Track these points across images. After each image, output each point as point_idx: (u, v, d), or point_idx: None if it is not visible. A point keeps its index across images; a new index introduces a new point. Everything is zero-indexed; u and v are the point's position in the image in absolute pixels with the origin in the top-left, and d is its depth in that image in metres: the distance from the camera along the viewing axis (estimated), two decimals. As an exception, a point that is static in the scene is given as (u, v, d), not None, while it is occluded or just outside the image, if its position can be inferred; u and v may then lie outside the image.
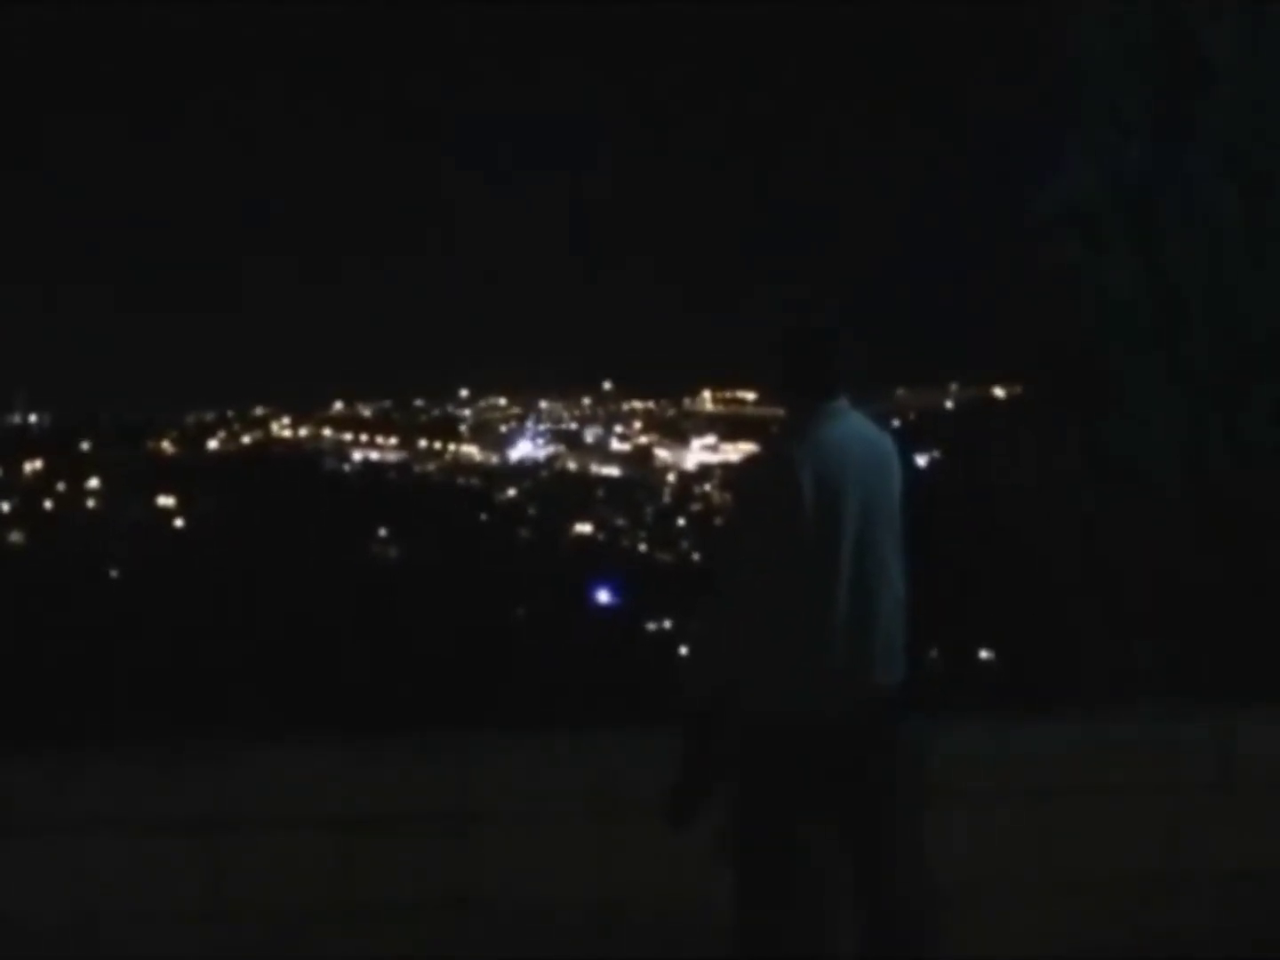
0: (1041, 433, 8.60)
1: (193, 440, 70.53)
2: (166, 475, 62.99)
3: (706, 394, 75.73)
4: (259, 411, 74.43)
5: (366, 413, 76.46)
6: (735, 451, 61.31)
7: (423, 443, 74.16)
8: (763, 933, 4.29)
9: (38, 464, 64.24)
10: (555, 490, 68.08)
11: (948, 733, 5.22)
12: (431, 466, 72.67)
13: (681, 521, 63.16)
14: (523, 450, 74.57)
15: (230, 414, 73.88)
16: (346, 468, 71.78)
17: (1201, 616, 7.66)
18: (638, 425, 76.33)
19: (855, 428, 4.35)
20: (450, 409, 76.84)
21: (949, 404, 52.53)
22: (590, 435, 75.96)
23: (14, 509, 60.46)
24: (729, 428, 69.58)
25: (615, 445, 75.08)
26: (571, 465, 73.39)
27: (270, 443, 72.95)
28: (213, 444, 71.24)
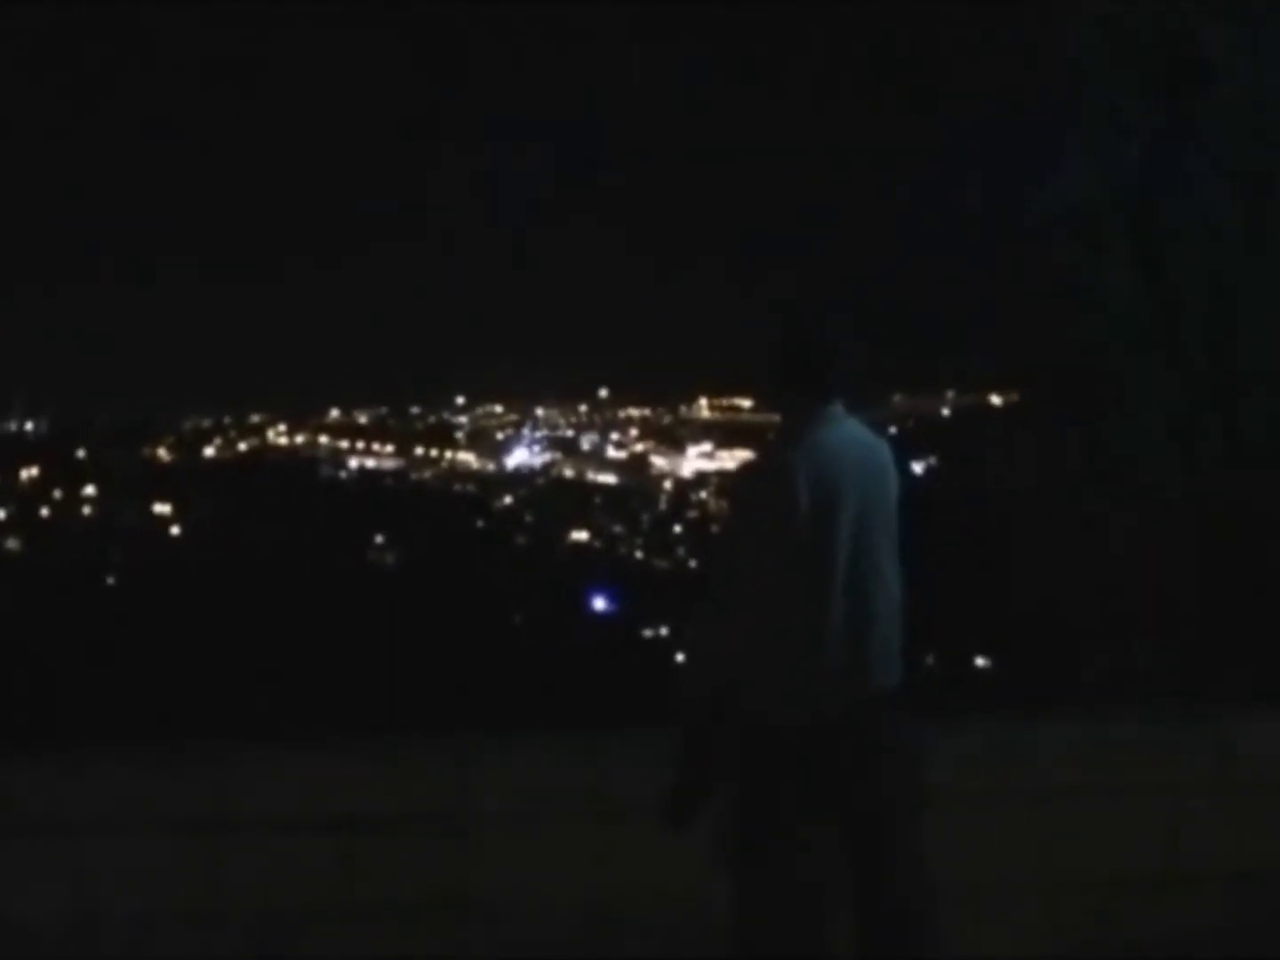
0: (1040, 434, 8.61)
1: (189, 446, 70.51)
2: (163, 481, 62.96)
3: (703, 401, 75.73)
4: (255, 418, 74.43)
5: (363, 419, 76.48)
6: (731, 458, 61.32)
7: (419, 450, 74.16)
8: (762, 934, 4.29)
9: (34, 471, 64.18)
10: (552, 497, 68.05)
11: (947, 734, 5.23)
12: (428, 473, 72.66)
13: (678, 528, 63.12)
14: (519, 457, 74.58)
15: (227, 420, 73.88)
16: (343, 475, 71.76)
17: (1200, 617, 7.67)
18: (634, 432, 76.33)
19: (851, 433, 4.35)
20: (446, 416, 76.86)
21: (946, 411, 52.56)
22: (587, 442, 75.99)
23: (11, 516, 60.40)
24: (725, 435, 69.55)
25: (611, 452, 75.08)
26: (568, 472, 73.38)
27: (267, 449, 72.94)
28: (209, 450, 71.24)
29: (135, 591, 45.84)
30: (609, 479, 72.78)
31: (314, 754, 5.35)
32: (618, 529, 64.64)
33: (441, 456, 73.94)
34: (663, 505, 68.27)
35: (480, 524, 63.53)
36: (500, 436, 75.80)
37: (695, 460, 72.32)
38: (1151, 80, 8.01)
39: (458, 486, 70.55)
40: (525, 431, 76.23)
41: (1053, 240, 8.18)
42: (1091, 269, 8.05)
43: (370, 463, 73.41)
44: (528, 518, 65.74)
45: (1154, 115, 8.04)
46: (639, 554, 61.08)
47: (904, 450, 4.54)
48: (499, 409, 76.97)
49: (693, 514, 64.20)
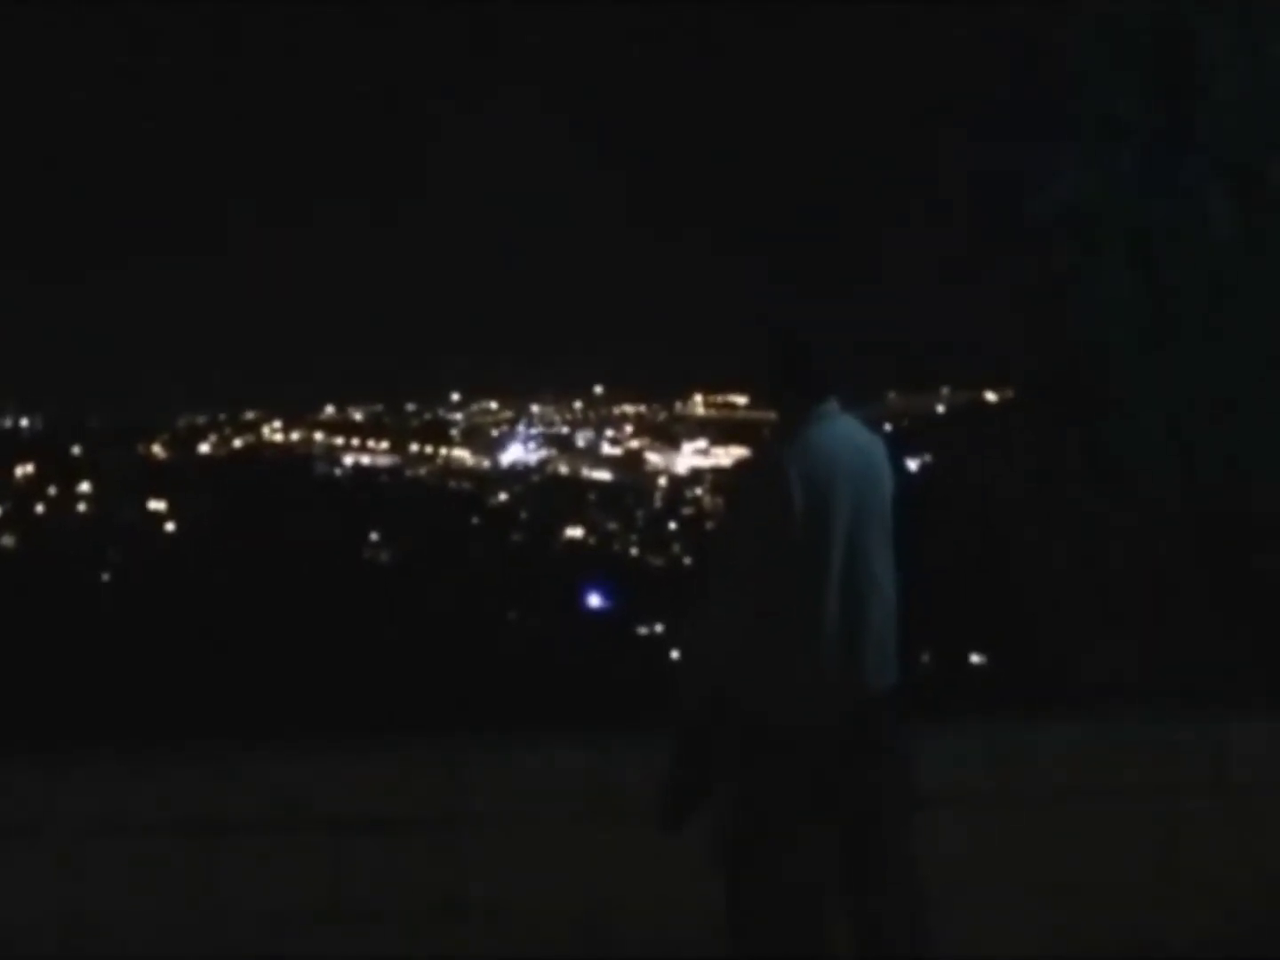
0: (1037, 435, 8.61)
1: (184, 444, 70.44)
2: (158, 478, 62.90)
3: (698, 398, 75.65)
4: (250, 415, 74.38)
5: (358, 416, 76.40)
6: (726, 455, 61.31)
7: (414, 446, 74.10)
8: (761, 934, 4.29)
9: (29, 468, 64.12)
10: (547, 494, 68.01)
11: (946, 735, 5.24)
12: (423, 470, 72.62)
13: (673, 525, 63.10)
14: (514, 454, 74.51)
15: (222, 417, 73.82)
16: (338, 472, 71.69)
17: (1196, 619, 7.67)
18: (629, 429, 76.26)
19: (846, 431, 4.35)
20: (442, 413, 76.78)
21: (940, 408, 52.51)
22: (582, 439, 75.92)
23: (6, 513, 60.33)
24: (720, 432, 69.48)
25: (607, 449, 75.02)
26: (563, 469, 73.35)
27: (262, 446, 72.87)
28: (204, 447, 71.17)
29: (131, 588, 45.82)
30: (604, 476, 72.72)
31: (309, 756, 5.35)
32: (613, 526, 64.60)
33: (436, 453, 73.88)
34: (658, 502, 68.23)
35: (475, 521, 63.50)
36: (495, 433, 75.73)
37: (690, 457, 72.25)
38: (1150, 81, 8.01)
39: (453, 483, 70.50)
40: (520, 428, 76.16)
41: (1051, 241, 8.18)
42: (1090, 269, 8.05)
43: (365, 459, 73.34)
44: (523, 514, 65.71)
45: (1152, 116, 8.04)
46: (634, 551, 61.06)
47: (899, 447, 4.54)
48: (494, 406, 76.90)
49: (688, 511, 64.18)
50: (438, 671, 30.13)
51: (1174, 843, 5.36)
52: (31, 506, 61.41)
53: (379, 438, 74.37)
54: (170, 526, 59.95)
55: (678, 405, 76.64)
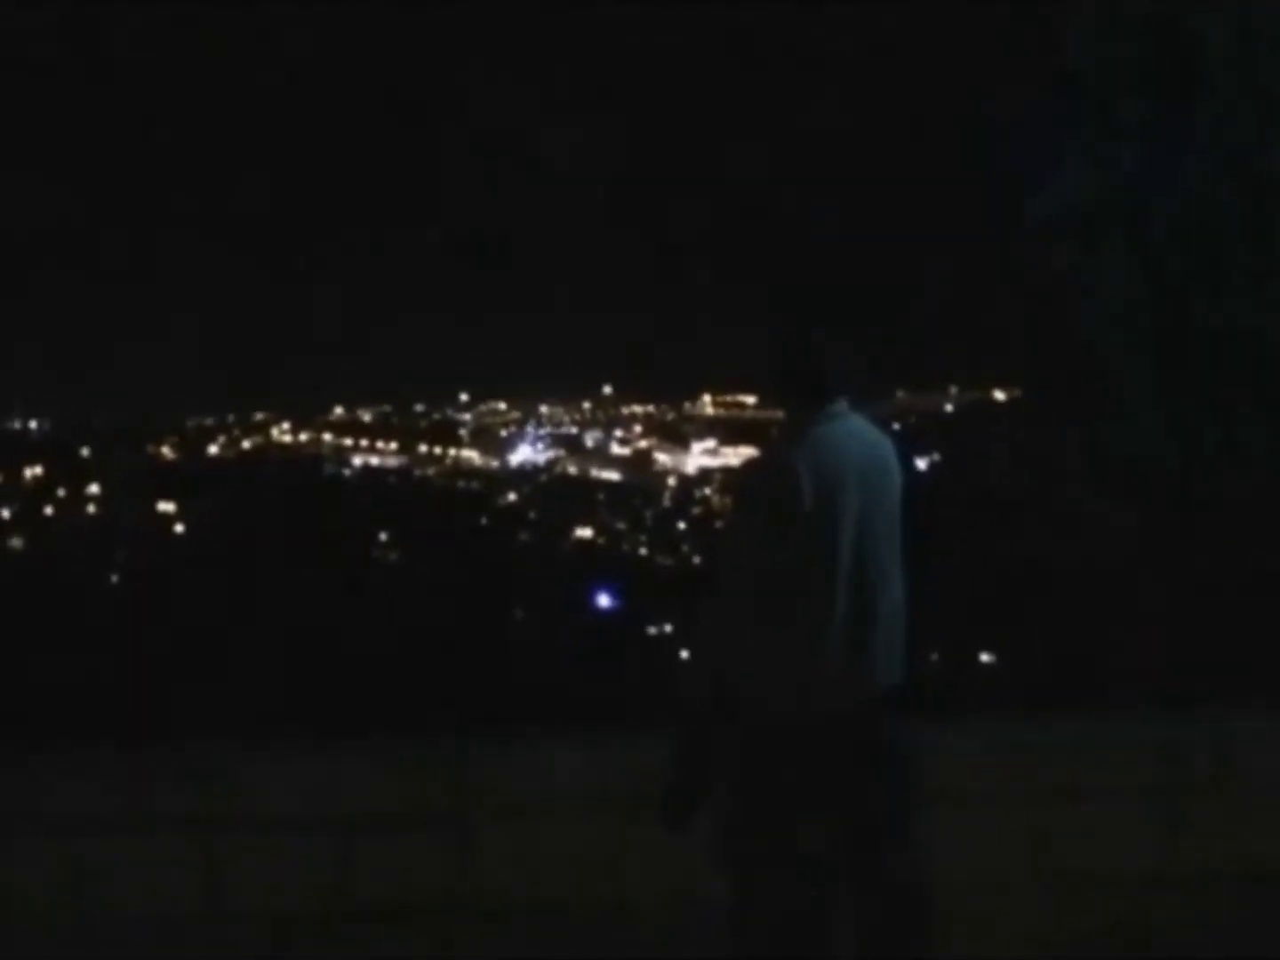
0: (1041, 434, 8.61)
1: (193, 445, 70.49)
2: (167, 480, 62.95)
3: (706, 398, 75.62)
4: (259, 416, 74.42)
5: (366, 417, 76.43)
6: (735, 455, 61.24)
7: (423, 447, 74.12)
8: (763, 934, 4.29)
9: (38, 470, 64.18)
10: (556, 494, 67.97)
11: (948, 733, 5.24)
12: (432, 471, 72.62)
13: (682, 525, 63.02)
14: (523, 454, 74.50)
15: (230, 419, 73.87)
16: (347, 473, 71.71)
17: (1199, 617, 7.66)
18: (638, 429, 76.24)
19: (855, 430, 4.36)
20: (450, 414, 76.81)
21: (949, 407, 52.47)
22: (590, 439, 75.92)
23: (15, 515, 60.39)
24: (729, 431, 69.43)
25: (615, 449, 75.01)
26: (572, 469, 73.32)
27: (270, 448, 72.91)
28: (213, 449, 71.22)
29: (139, 590, 45.83)
30: (613, 476, 72.71)
31: (314, 753, 5.36)
32: (621, 526, 64.56)
33: (445, 454, 73.90)
34: (667, 502, 68.18)
35: (484, 521, 63.48)
36: (504, 434, 75.74)
37: (699, 457, 72.22)
38: (1150, 80, 8.01)
39: (461, 484, 70.50)
40: (529, 429, 76.17)
41: (1052, 240, 8.18)
42: (1091, 269, 8.05)
43: (374, 460, 73.38)
44: (532, 515, 65.68)
45: (1153, 115, 8.03)
46: (643, 550, 61.01)
47: (907, 446, 4.54)
48: (503, 406, 76.94)
49: (697, 510, 64.11)
50: (445, 670, 30.11)
51: (1175, 842, 5.36)
52: (40, 508, 61.46)
53: (387, 438, 74.40)
54: (179, 528, 59.99)
55: (686, 405, 76.62)
